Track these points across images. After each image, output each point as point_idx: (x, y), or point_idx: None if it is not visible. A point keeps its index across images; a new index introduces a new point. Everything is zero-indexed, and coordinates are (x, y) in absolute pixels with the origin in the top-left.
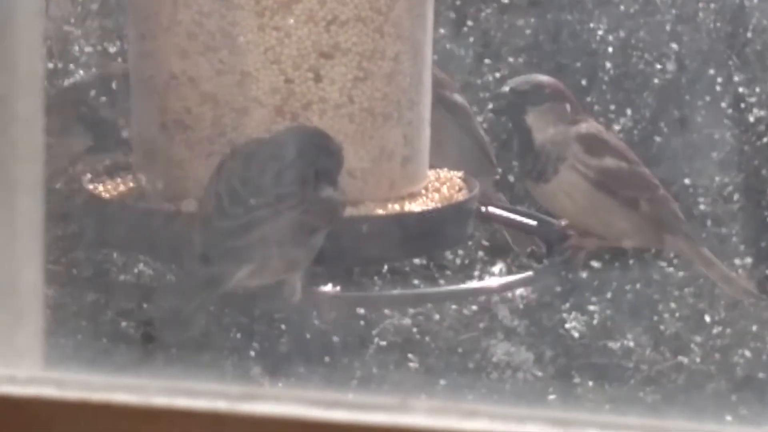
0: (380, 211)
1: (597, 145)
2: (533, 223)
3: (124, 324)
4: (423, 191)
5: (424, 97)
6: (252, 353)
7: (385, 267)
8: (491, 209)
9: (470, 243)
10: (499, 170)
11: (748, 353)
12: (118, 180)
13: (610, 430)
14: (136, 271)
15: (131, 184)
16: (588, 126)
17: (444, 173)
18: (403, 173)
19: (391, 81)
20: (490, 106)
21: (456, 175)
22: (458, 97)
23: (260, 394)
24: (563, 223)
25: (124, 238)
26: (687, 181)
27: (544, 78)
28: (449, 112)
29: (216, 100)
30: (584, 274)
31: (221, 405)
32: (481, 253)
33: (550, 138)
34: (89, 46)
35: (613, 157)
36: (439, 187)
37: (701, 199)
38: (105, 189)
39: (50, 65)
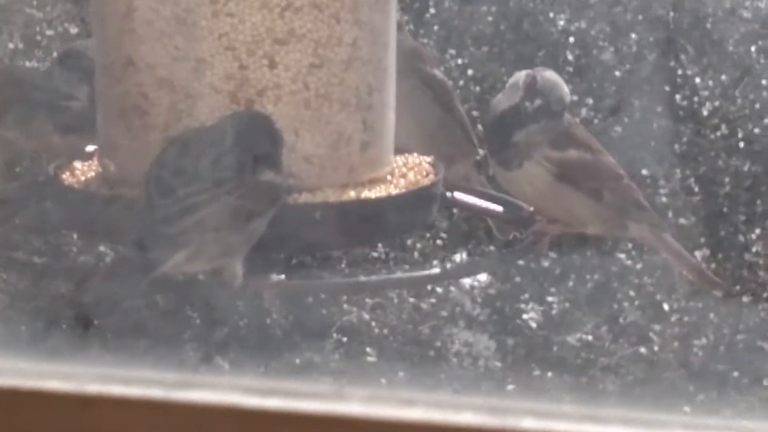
0: (335, 198)
1: (562, 139)
2: (499, 209)
3: (58, 310)
4: (388, 177)
5: (386, 82)
6: (191, 340)
7: (343, 255)
8: (457, 195)
9: (431, 230)
10: (481, 151)
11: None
12: (85, 166)
13: (546, 419)
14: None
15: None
16: (556, 125)
17: (413, 158)
18: (363, 159)
19: (349, 67)
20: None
21: (425, 160)
22: (438, 72)
23: (196, 381)
24: (531, 209)
25: (84, 223)
26: (645, 171)
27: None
28: (429, 87)
29: (172, 86)
30: (544, 263)
31: (156, 393)
32: (440, 242)
33: (523, 137)
34: (51, 29)
35: (577, 149)
36: (405, 173)
37: (661, 191)
38: (73, 174)
39: (11, 46)
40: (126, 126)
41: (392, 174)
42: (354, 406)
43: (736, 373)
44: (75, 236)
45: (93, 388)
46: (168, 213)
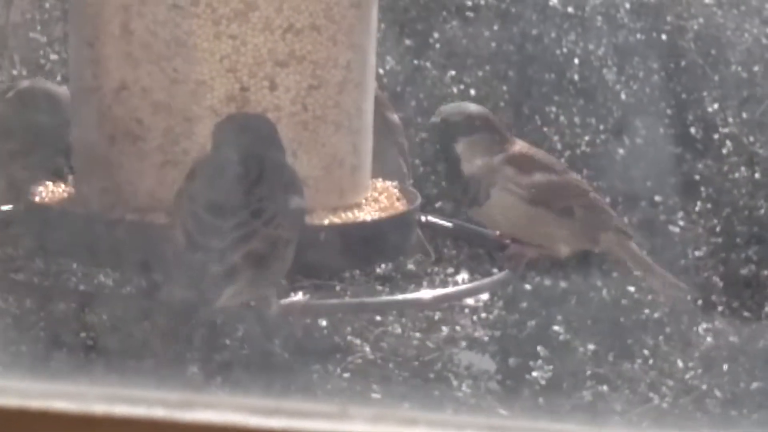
0: (329, 220)
1: (526, 163)
2: (469, 231)
3: (64, 332)
4: (363, 201)
5: (369, 105)
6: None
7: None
8: (430, 218)
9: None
10: (411, 180)
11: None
12: (52, 187)
13: None
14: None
15: (67, 192)
16: (515, 147)
17: (380, 183)
18: (352, 182)
19: (343, 89)
20: (424, 133)
21: (392, 185)
22: (395, 117)
23: (199, 401)
24: (497, 233)
25: (67, 245)
26: (657, 198)
27: (474, 108)
28: (388, 130)
29: (169, 110)
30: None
31: (160, 412)
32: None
33: (477, 169)
34: (54, 53)
35: (542, 172)
36: (377, 197)
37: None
38: (43, 195)
39: (14, 72)
40: (115, 151)
41: (366, 198)
42: (358, 425)
43: (745, 400)
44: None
45: (98, 408)
46: (214, 251)
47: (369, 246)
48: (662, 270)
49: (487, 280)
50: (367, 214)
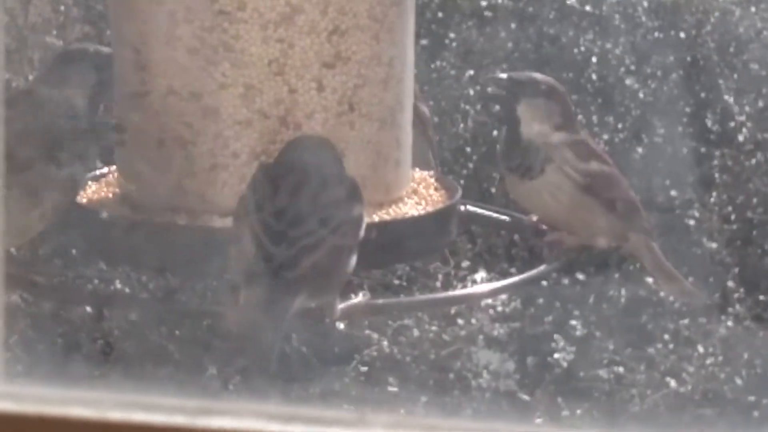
0: (378, 217)
1: (583, 150)
2: (506, 219)
3: (82, 336)
4: (404, 194)
5: (410, 99)
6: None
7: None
8: (469, 207)
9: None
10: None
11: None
12: (94, 189)
13: None
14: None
15: (111, 193)
16: (577, 133)
17: (417, 174)
18: (396, 176)
19: (387, 86)
20: (488, 89)
21: (428, 175)
22: (426, 109)
23: (218, 408)
24: (534, 218)
25: (116, 250)
26: (673, 192)
27: (542, 76)
28: (420, 122)
29: (218, 114)
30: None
31: (179, 419)
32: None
33: (536, 134)
34: None
35: (598, 161)
36: (416, 188)
37: (688, 212)
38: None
39: (31, 77)
40: (165, 156)
41: (405, 190)
42: (377, 431)
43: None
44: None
45: (116, 414)
46: (285, 259)
47: (416, 240)
48: (680, 276)
49: (534, 272)
50: (412, 207)
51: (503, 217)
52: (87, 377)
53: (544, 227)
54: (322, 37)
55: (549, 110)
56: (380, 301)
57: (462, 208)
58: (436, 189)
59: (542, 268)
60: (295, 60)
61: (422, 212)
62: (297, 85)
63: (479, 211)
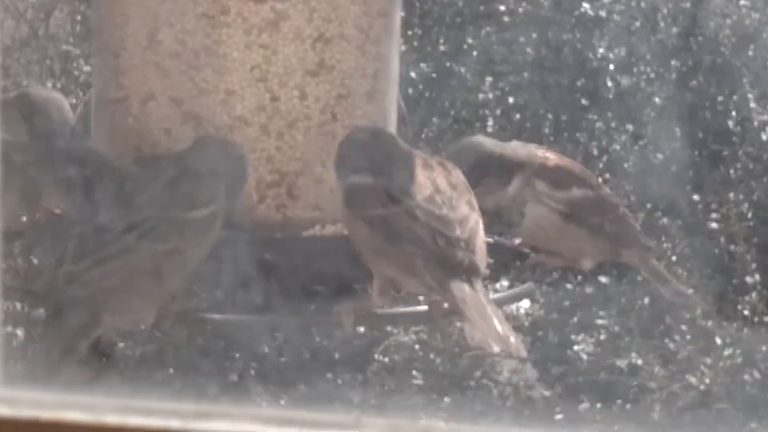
0: None
1: (562, 177)
2: (490, 240)
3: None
4: None
5: (393, 114)
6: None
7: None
8: None
9: None
10: None
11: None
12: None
13: None
14: None
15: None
16: (549, 159)
17: None
18: None
19: (371, 99)
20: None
21: None
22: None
23: (214, 412)
24: (516, 241)
25: None
26: (696, 197)
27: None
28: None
29: (199, 119)
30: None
31: (174, 423)
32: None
33: (494, 205)
34: (88, 65)
35: (579, 187)
36: None
37: (712, 215)
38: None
39: (49, 84)
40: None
41: None
42: None
43: None
44: None
45: (112, 418)
46: (71, 275)
47: None
48: (680, 285)
49: (510, 292)
50: None
51: (488, 239)
52: (82, 381)
53: (527, 250)
54: (306, 44)
55: (491, 185)
56: (388, 310)
57: None
58: None
59: (527, 285)
60: (278, 67)
61: None
62: (279, 93)
63: None
